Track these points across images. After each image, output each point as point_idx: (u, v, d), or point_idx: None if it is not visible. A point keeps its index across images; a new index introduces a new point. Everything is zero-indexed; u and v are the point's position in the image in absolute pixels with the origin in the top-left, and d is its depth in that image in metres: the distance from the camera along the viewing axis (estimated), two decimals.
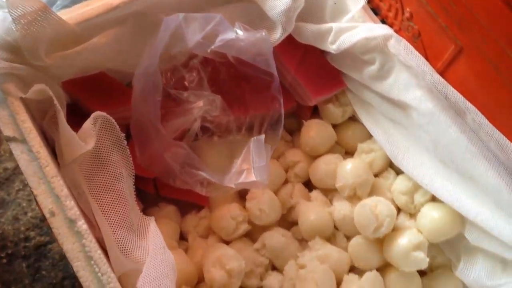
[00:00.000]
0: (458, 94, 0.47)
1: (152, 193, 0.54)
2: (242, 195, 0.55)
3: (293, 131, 0.60)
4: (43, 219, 0.62)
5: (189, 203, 0.55)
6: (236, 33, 0.46)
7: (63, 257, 0.61)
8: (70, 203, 0.37)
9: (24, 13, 0.41)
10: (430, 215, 0.51)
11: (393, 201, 0.53)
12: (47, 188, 0.37)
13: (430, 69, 0.48)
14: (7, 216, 0.62)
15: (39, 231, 0.62)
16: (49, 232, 0.62)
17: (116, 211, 0.42)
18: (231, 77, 0.54)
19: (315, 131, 0.56)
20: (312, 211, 0.53)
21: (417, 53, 0.48)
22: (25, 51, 0.42)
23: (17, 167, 0.65)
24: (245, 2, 0.53)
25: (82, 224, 0.37)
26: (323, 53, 0.56)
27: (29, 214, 0.62)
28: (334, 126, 0.57)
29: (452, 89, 0.47)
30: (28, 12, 0.41)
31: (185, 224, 0.54)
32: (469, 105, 0.47)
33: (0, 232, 0.61)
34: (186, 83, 0.51)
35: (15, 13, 0.41)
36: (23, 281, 0.59)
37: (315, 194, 0.56)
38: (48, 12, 0.41)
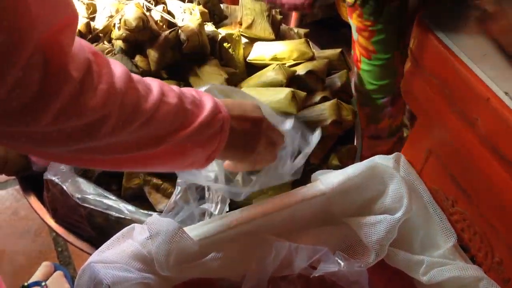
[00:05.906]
0: None
1: None
2: None
3: None
4: None
5: None
6: (338, 264, 0.50)
7: None
8: None
9: (161, 231, 0.48)
10: None
11: None
12: None
13: None
14: None
15: None
16: None
17: None
18: None
19: None
20: None
21: None
22: (157, 263, 0.47)
23: None
24: (341, 225, 0.58)
25: None
26: (410, 276, 0.59)
27: None
28: None
29: None
30: (164, 231, 0.48)
31: None
32: None
33: None
34: None
35: (153, 231, 0.48)
36: None
37: None
38: (181, 232, 0.48)
